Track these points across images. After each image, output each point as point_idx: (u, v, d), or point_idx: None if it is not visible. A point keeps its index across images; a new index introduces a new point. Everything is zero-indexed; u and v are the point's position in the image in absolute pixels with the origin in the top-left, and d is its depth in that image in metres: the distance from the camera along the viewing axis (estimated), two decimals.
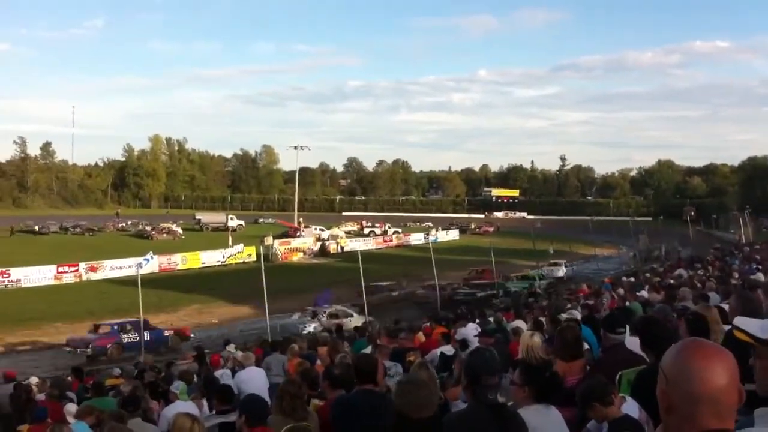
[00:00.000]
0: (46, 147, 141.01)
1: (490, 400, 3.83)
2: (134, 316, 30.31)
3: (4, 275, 44.13)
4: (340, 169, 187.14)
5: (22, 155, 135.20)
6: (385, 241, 79.13)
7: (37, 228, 77.21)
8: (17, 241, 69.19)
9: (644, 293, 17.41)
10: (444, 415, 5.34)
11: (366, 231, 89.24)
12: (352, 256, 51.26)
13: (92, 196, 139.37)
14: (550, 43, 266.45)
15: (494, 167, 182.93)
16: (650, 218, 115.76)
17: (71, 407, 10.07)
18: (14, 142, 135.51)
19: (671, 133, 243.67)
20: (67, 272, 47.46)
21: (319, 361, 12.15)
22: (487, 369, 3.93)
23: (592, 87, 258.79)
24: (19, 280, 44.57)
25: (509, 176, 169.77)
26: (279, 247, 63.45)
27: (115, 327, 29.33)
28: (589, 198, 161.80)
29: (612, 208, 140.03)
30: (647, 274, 29.53)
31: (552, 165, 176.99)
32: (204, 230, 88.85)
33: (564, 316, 13.28)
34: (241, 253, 58.84)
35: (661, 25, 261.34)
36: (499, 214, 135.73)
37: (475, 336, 11.59)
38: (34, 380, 16.56)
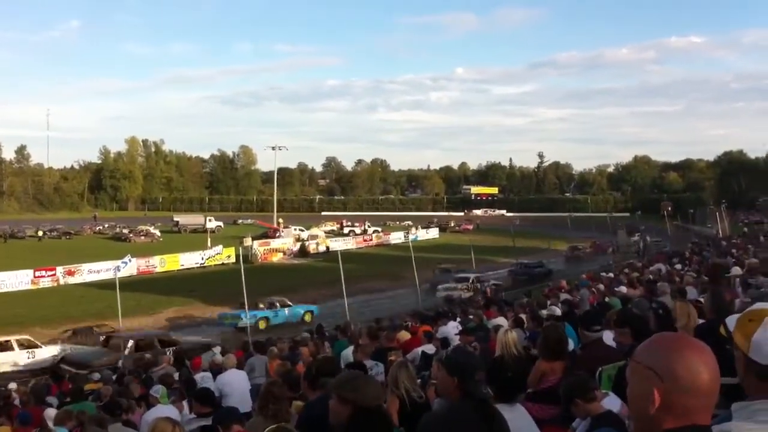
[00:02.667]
0: (20, 150, 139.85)
1: (484, 395, 3.86)
2: (112, 320, 30.07)
3: None
4: (318, 168, 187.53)
5: None
6: (365, 241, 79.07)
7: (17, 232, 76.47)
8: None
9: (623, 288, 17.54)
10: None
11: (346, 230, 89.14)
12: (332, 255, 51.19)
13: (68, 200, 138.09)
14: (527, 41, 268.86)
15: (473, 165, 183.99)
16: (628, 214, 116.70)
17: (51, 412, 9.97)
18: None
19: (648, 129, 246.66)
20: (44, 276, 46.90)
21: (301, 362, 12.12)
22: (478, 364, 3.99)
23: (569, 84, 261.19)
24: None
25: (488, 174, 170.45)
26: (258, 248, 63.23)
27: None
28: (568, 195, 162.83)
29: (590, 205, 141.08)
30: (626, 270, 29.72)
31: (530, 162, 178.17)
32: (182, 232, 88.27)
33: (544, 312, 13.36)
34: (221, 255, 58.51)
35: (637, 22, 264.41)
36: (479, 212, 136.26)
37: (456, 334, 11.64)
38: (12, 386, 16.40)
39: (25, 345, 26.12)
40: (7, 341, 26.22)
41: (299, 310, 35.27)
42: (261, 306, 33.73)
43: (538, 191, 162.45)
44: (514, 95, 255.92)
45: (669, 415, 1.82)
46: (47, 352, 25.98)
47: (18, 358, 25.59)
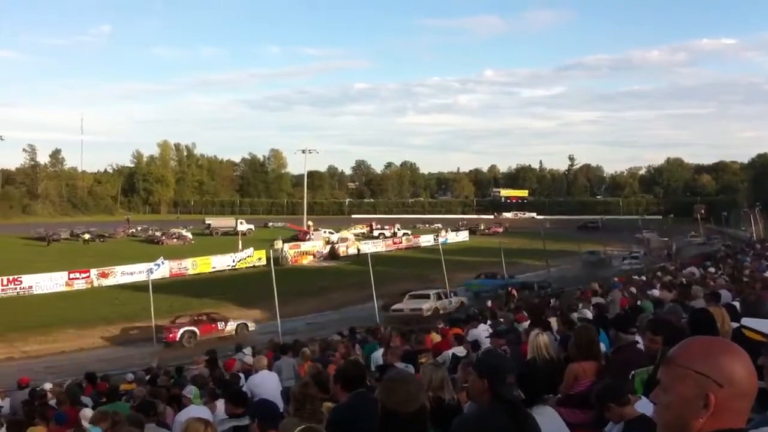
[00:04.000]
0: (55, 154, 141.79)
1: (515, 397, 3.86)
2: (146, 321, 30.47)
3: (16, 282, 44.32)
4: (348, 171, 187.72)
5: (32, 163, 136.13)
6: (394, 243, 79.04)
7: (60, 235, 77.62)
8: (28, 248, 69.49)
9: (656, 292, 17.36)
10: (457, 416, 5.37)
11: (375, 233, 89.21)
12: (362, 258, 51.31)
13: (102, 203, 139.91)
14: (556, 43, 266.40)
15: (503, 168, 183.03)
16: (660, 216, 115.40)
17: (87, 412, 10.11)
18: (24, 150, 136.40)
19: (679, 132, 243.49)
20: (78, 278, 47.64)
21: (332, 364, 12.17)
22: (509, 367, 3.98)
23: (598, 86, 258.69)
24: (31, 287, 44.69)
25: (518, 177, 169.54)
26: (289, 250, 63.55)
27: None
28: (599, 197, 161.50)
29: (621, 207, 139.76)
30: (658, 273, 29.43)
31: (560, 165, 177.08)
32: (214, 235, 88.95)
33: (575, 315, 13.28)
34: (251, 257, 58.94)
35: (666, 24, 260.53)
36: (509, 215, 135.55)
37: (486, 337, 11.61)
38: (48, 386, 16.65)
39: None
40: None
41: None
42: None
43: (568, 194, 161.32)
44: (542, 98, 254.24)
45: (715, 419, 1.82)
46: None
47: None
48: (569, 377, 5.73)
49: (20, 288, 44.23)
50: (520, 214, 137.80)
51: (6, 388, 18.05)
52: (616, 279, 30.05)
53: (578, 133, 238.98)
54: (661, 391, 1.93)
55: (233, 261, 58.16)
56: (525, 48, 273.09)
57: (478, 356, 4.99)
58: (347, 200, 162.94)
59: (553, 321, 12.34)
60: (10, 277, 44.12)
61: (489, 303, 28.89)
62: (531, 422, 3.89)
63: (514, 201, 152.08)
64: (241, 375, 12.41)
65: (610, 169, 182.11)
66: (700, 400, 1.82)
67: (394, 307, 35.90)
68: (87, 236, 77.46)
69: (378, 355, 11.23)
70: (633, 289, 19.83)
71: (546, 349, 6.80)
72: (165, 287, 42.21)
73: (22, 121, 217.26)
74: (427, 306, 34.87)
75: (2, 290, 42.82)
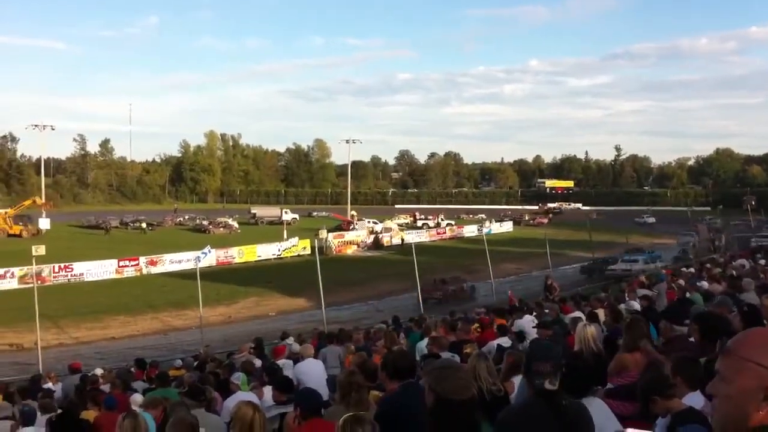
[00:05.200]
0: (105, 144, 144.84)
1: (539, 386, 3.83)
2: (194, 309, 30.94)
3: (67, 269, 45.37)
4: (392, 162, 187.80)
5: (82, 152, 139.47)
6: (438, 234, 78.96)
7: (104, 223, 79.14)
8: (79, 236, 71.11)
9: (704, 284, 17.08)
10: (505, 406, 5.38)
11: (419, 223, 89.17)
12: (405, 248, 51.38)
13: (150, 192, 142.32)
14: (602, 32, 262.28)
15: (548, 158, 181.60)
16: (709, 208, 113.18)
17: (137, 397, 10.32)
18: (74, 139, 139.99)
19: (729, 122, 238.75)
20: (127, 266, 48.60)
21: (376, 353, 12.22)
22: (540, 355, 3.94)
23: (646, 75, 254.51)
24: (82, 274, 45.75)
25: (563, 167, 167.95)
26: (333, 240, 63.92)
27: None
28: (646, 188, 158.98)
29: (669, 198, 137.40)
30: (707, 265, 28.89)
31: (607, 155, 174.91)
32: (259, 224, 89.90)
33: (623, 306, 13.14)
34: (296, 247, 59.44)
35: (715, 11, 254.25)
36: (553, 206, 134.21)
37: (533, 327, 11.56)
38: (99, 371, 17.04)
39: None
40: None
41: None
42: None
43: (614, 184, 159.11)
44: (588, 87, 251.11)
45: None
46: None
47: None
48: (616, 366, 5.69)
49: (71, 275, 45.26)
50: (565, 205, 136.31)
51: (58, 373, 18.53)
52: (663, 271, 29.60)
53: (625, 123, 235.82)
54: (721, 382, 1.89)
55: (278, 250, 58.72)
56: (570, 37, 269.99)
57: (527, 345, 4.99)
58: (391, 190, 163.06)
59: (601, 312, 12.25)
60: (62, 264, 45.11)
61: None
62: (573, 412, 3.87)
63: (559, 192, 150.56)
64: (287, 362, 12.52)
65: (657, 159, 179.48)
66: (761, 392, 1.80)
67: (610, 267, 43.62)
68: (145, 225, 78.88)
69: (423, 344, 11.24)
70: (681, 282, 19.50)
71: (593, 341, 6.75)
72: (212, 275, 42.78)
73: (72, 112, 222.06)
74: (637, 267, 40.51)
75: (54, 277, 43.80)
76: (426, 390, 3.89)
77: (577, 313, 13.52)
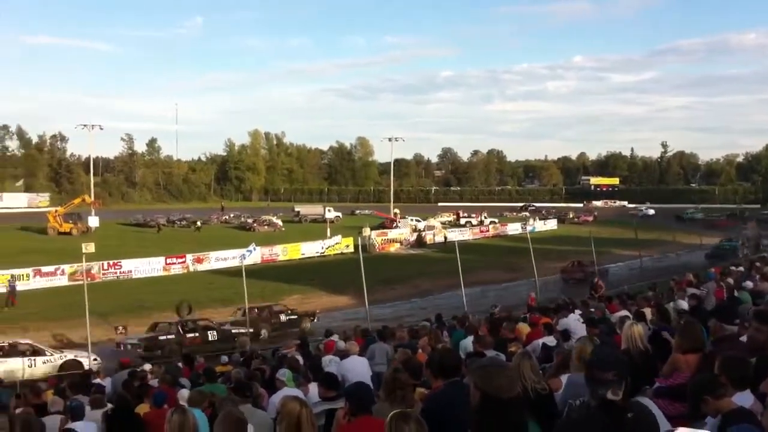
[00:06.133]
0: (152, 143, 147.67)
1: (600, 396, 3.72)
2: (240, 305, 31.28)
3: (116, 267, 46.25)
4: (434, 159, 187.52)
5: (130, 152, 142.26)
6: (481, 231, 78.64)
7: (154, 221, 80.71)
8: (128, 233, 72.43)
9: (749, 283, 16.76)
10: (551, 405, 5.36)
11: (462, 221, 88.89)
12: (448, 246, 51.26)
13: (196, 190, 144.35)
14: (647, 27, 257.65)
15: (592, 155, 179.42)
16: (758, 205, 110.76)
17: (184, 393, 10.48)
18: (122, 139, 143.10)
19: None
20: (174, 264, 49.38)
21: (420, 351, 12.26)
22: (602, 363, 3.81)
23: (692, 71, 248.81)
24: (130, 271, 46.61)
25: (608, 164, 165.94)
26: (376, 238, 64.06)
27: None
28: (693, 185, 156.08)
29: (718, 196, 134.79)
30: (757, 263, 28.23)
31: (653, 152, 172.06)
32: (302, 222, 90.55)
33: (671, 305, 12.97)
34: (339, 244, 59.70)
35: (763, 5, 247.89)
36: (598, 203, 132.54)
37: (582, 323, 11.48)
38: (147, 367, 17.37)
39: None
40: None
41: None
42: None
43: (661, 182, 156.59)
44: (633, 83, 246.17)
45: None
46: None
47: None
48: (670, 367, 5.63)
49: (120, 272, 46.13)
50: (610, 203, 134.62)
51: (107, 368, 18.94)
52: (712, 270, 29.04)
53: (671, 119, 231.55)
54: None
55: (322, 248, 59.06)
56: (615, 32, 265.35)
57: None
58: (433, 188, 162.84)
59: (648, 311, 12.11)
60: (111, 262, 46.00)
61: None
62: (637, 424, 3.76)
63: (604, 189, 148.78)
64: (333, 359, 12.62)
65: (705, 156, 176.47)
66: None
67: None
68: (199, 223, 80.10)
69: (467, 343, 11.23)
70: (730, 280, 19.12)
71: (640, 340, 6.68)
72: (257, 272, 43.19)
73: (120, 112, 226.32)
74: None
75: (103, 274, 44.68)
76: (471, 388, 3.89)
77: (624, 312, 13.39)
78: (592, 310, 15.44)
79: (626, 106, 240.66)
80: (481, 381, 3.81)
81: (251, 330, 29.29)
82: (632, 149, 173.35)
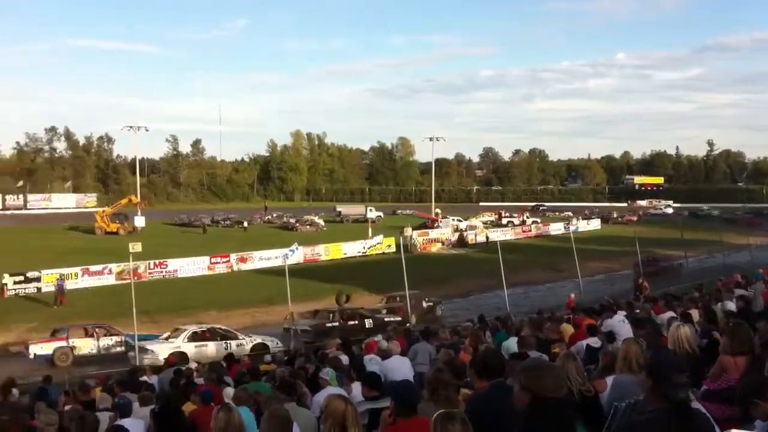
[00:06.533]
0: (196, 144, 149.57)
1: (682, 398, 3.71)
2: (282, 305, 31.59)
3: (162, 266, 46.98)
4: (476, 159, 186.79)
5: (175, 153, 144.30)
6: (523, 231, 78.13)
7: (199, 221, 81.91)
8: (174, 233, 73.50)
9: None
10: (596, 407, 5.33)
11: (504, 221, 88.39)
12: (490, 246, 51.00)
13: (239, 191, 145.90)
14: (692, 23, 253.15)
15: (636, 154, 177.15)
16: None
17: (229, 391, 10.63)
18: (167, 140, 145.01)
19: None
20: (219, 263, 49.97)
21: (463, 351, 12.24)
22: (676, 366, 3.81)
23: (740, 67, 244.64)
24: (176, 270, 47.30)
25: (653, 163, 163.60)
26: (417, 237, 64.02)
27: None
28: (741, 184, 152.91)
29: (765, 195, 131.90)
30: None
31: (698, 150, 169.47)
32: (344, 222, 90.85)
33: (718, 306, 12.78)
34: (381, 244, 59.79)
35: None
36: (643, 203, 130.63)
37: (626, 324, 11.36)
38: (193, 365, 17.64)
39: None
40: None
41: None
42: None
43: (707, 181, 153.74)
44: (678, 80, 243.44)
45: None
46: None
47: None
48: (717, 369, 5.57)
49: (165, 271, 46.83)
50: (654, 202, 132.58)
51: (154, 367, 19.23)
52: (760, 270, 28.45)
53: (717, 116, 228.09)
54: None
55: (363, 247, 59.21)
56: (659, 29, 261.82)
57: (651, 354, 4.88)
58: (475, 188, 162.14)
59: (695, 313, 11.94)
60: (157, 261, 46.72)
61: None
62: (700, 424, 3.74)
63: (648, 188, 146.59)
64: (375, 358, 12.65)
65: (752, 154, 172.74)
66: None
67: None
68: (245, 224, 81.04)
69: (510, 343, 11.19)
70: None
71: (687, 342, 6.62)
72: (299, 272, 43.41)
73: (165, 113, 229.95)
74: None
75: (149, 273, 45.40)
76: (518, 389, 3.87)
77: (670, 314, 13.21)
78: (637, 311, 15.27)
79: (671, 104, 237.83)
80: (530, 381, 3.80)
81: (400, 318, 30.96)
82: (677, 148, 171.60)
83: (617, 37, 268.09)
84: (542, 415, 3.71)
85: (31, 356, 26.90)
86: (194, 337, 26.82)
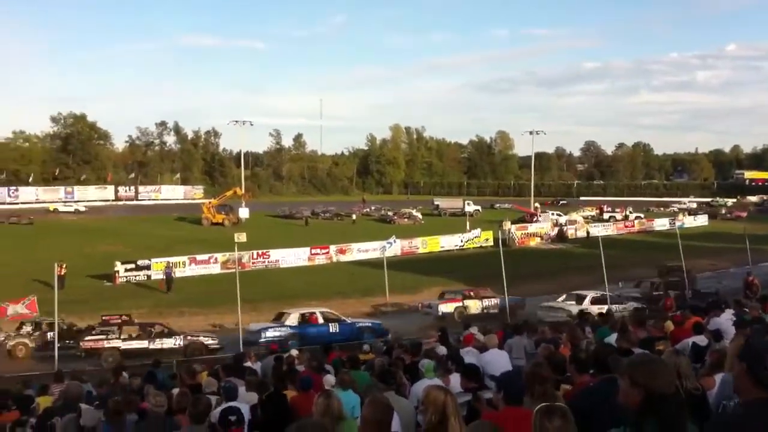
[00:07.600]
0: (298, 138, 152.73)
1: None
2: (380, 296, 31.87)
3: (264, 256, 48.25)
4: (576, 153, 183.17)
5: (277, 146, 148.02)
6: (626, 227, 76.06)
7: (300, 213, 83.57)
8: (277, 225, 75.34)
9: None
10: (704, 405, 5.20)
11: (606, 216, 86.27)
12: (591, 241, 49.94)
13: (339, 184, 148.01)
14: None
15: (747, 148, 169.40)
16: None
17: (330, 378, 10.85)
18: (270, 134, 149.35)
19: None
20: (319, 254, 50.91)
21: (563, 346, 12.08)
22: None
23: None
24: (278, 260, 48.49)
25: (764, 158, 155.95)
26: (516, 232, 63.35)
27: None
28: None
29: None
30: None
31: None
32: (442, 215, 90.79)
33: None
34: (479, 238, 59.48)
35: None
36: (754, 199, 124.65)
37: (732, 324, 10.97)
38: (294, 352, 18.06)
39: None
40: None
41: None
42: None
43: None
44: None
45: None
46: None
47: None
48: None
49: (268, 261, 48.07)
50: (766, 198, 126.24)
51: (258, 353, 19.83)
52: None
53: None
54: None
55: (461, 241, 59.04)
56: None
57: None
58: (575, 182, 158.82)
59: None
60: (260, 251, 48.04)
61: None
62: None
63: (759, 184, 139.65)
64: (472, 351, 12.65)
65: None
66: None
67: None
68: (354, 216, 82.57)
69: (611, 339, 10.98)
70: None
71: None
72: (397, 264, 43.72)
73: (268, 108, 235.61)
74: None
75: (253, 263, 46.67)
76: (627, 385, 3.75)
77: None
78: (746, 310, 14.65)
79: None
80: (643, 377, 3.69)
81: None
82: None
83: (728, 28, 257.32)
84: (658, 412, 3.61)
85: None
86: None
